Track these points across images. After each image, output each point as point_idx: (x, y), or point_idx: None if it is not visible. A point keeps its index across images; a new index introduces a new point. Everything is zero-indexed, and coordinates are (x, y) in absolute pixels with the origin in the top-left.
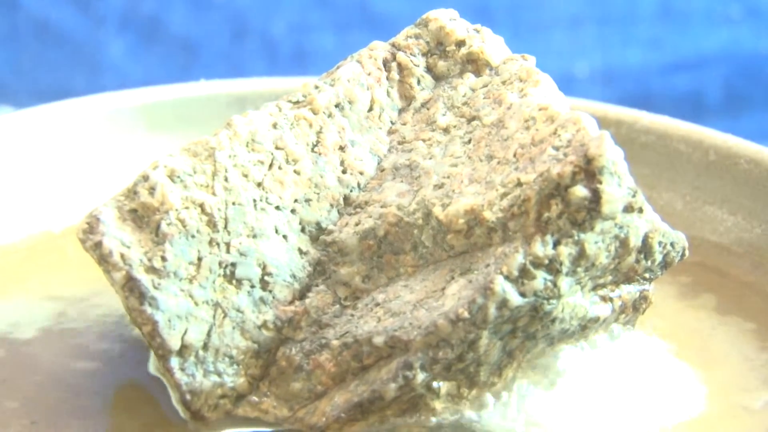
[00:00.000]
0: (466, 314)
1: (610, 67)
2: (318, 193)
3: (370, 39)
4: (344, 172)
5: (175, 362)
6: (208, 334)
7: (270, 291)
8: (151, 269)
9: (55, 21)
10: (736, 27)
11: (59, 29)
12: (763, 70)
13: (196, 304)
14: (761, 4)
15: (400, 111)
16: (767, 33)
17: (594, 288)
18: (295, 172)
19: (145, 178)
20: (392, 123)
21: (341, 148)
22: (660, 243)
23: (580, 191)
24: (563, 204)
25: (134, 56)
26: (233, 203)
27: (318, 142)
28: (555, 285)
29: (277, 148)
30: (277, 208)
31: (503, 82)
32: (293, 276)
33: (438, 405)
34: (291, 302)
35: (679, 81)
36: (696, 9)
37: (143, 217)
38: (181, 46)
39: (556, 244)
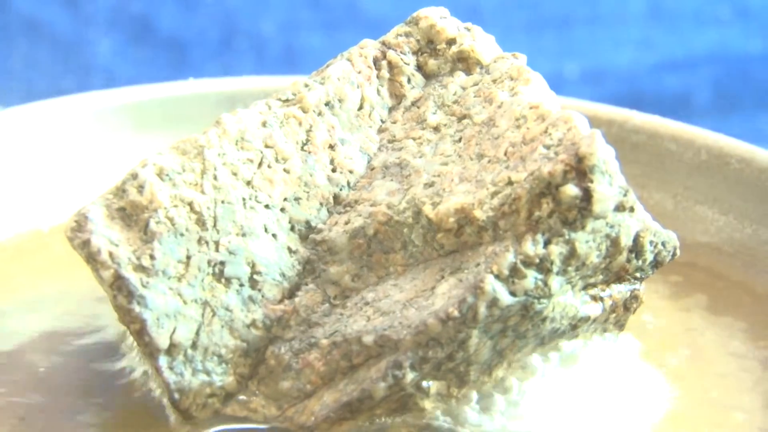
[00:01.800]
0: (456, 313)
1: (600, 68)
2: (308, 192)
3: (360, 38)
4: (334, 170)
5: (163, 361)
6: (197, 333)
7: (259, 290)
8: (140, 268)
9: (44, 20)
10: (726, 28)
11: (48, 29)
12: (752, 70)
13: (185, 302)
14: (750, 4)
15: (391, 109)
16: (756, 34)
17: (585, 287)
18: (284, 170)
19: (134, 177)
20: (382, 121)
21: (331, 147)
22: (651, 242)
23: (571, 190)
24: (554, 203)
25: (123, 56)
26: (222, 202)
27: (308, 140)
28: (546, 284)
29: (266, 146)
30: (267, 206)
31: (494, 81)
32: (282, 275)
33: (428, 404)
34: (280, 301)
35: (668, 82)
36: (685, 10)
37: (132, 215)
38: (171, 45)
39: (546, 243)
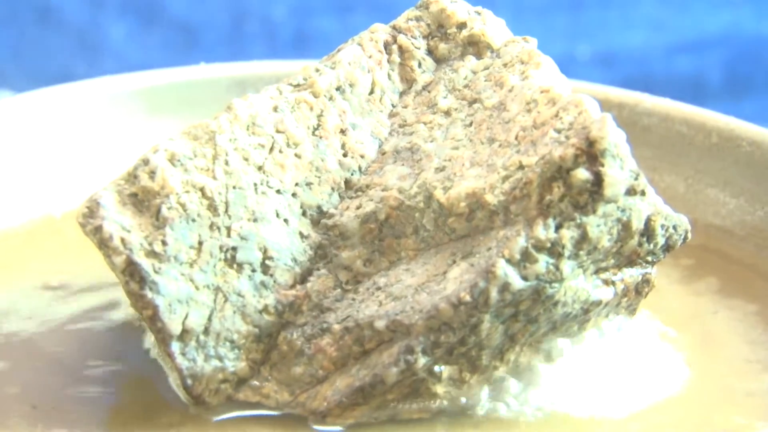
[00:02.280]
0: (467, 298)
1: (612, 50)
2: (319, 177)
3: (371, 22)
4: (345, 155)
5: (176, 347)
6: (209, 319)
7: (271, 275)
8: (152, 253)
9: (55, 5)
10: (738, 9)
11: (59, 13)
12: (764, 52)
13: (197, 288)
14: None
15: (401, 94)
16: None
17: (596, 271)
18: (295, 155)
19: (146, 162)
20: (393, 106)
21: (342, 132)
22: (662, 226)
23: (582, 174)
24: (565, 187)
25: (135, 40)
26: (234, 187)
27: (319, 125)
28: (557, 268)
29: (277, 131)
30: (278, 191)
31: (505, 65)
32: (294, 260)
33: (440, 389)
34: (292, 286)
35: (680, 63)
36: None
37: (143, 201)
38: (182, 29)
39: (558, 227)
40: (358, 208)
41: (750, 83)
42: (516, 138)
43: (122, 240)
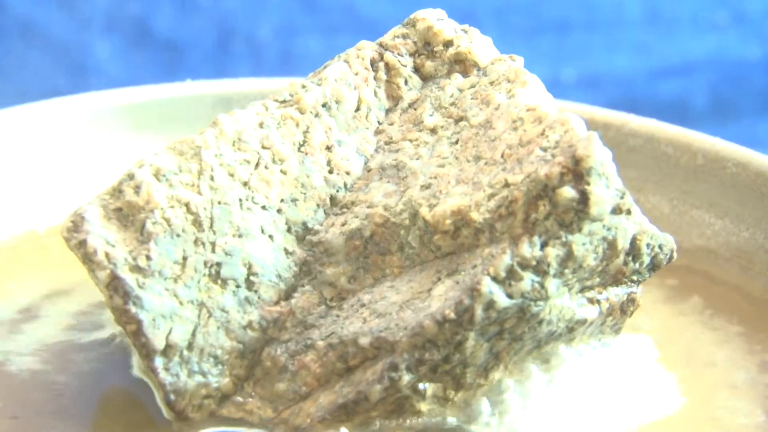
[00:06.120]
0: (452, 315)
1: (597, 73)
2: (304, 193)
3: (357, 41)
4: (331, 172)
5: (159, 362)
6: (193, 334)
7: (255, 291)
8: (136, 268)
9: (40, 22)
10: (723, 33)
11: (44, 30)
12: (749, 76)
13: (181, 303)
14: (747, 10)
15: (387, 111)
16: (753, 40)
17: (581, 290)
18: (281, 171)
19: (131, 177)
20: (379, 123)
21: (328, 148)
22: (648, 245)
23: (567, 192)
24: (551, 205)
25: (120, 58)
26: (219, 202)
27: (305, 141)
28: (542, 286)
29: (263, 147)
30: (263, 207)
31: (491, 83)
32: (279, 276)
33: (424, 407)
34: (276, 302)
35: (665, 87)
36: (683, 15)
37: (128, 215)
38: (167, 48)
39: (543, 245)
40: (343, 224)
41: (735, 107)
42: (502, 156)
43: (106, 254)
